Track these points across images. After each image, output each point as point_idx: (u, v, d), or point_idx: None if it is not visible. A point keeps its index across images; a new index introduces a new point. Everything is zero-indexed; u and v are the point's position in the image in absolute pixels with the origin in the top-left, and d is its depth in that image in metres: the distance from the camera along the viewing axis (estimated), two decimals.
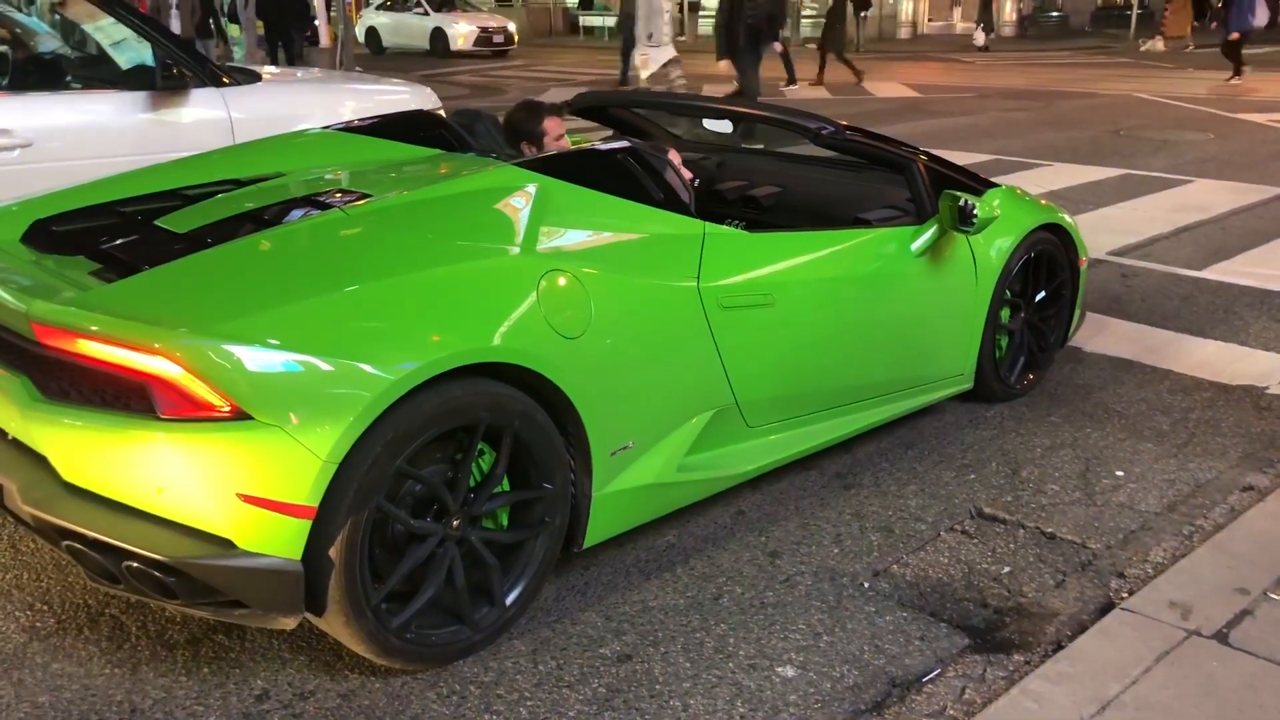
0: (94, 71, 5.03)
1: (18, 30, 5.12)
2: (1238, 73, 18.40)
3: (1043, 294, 4.57)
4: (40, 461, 2.56)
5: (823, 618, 3.03)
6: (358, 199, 3.06)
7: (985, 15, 27.92)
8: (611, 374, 2.97)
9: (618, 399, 3.00)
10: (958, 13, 34.48)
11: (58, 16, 5.29)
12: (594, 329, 2.90)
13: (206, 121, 4.96)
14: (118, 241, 2.93)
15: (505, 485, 2.87)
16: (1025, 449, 4.13)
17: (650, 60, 14.41)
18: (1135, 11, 31.16)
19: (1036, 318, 4.59)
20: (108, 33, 5.13)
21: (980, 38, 27.68)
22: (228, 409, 2.36)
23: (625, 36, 16.46)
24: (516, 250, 2.90)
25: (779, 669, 2.80)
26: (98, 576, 2.56)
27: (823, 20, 18.13)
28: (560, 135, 4.01)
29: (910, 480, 3.87)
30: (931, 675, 2.79)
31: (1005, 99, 16.62)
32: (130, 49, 5.04)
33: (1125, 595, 3.07)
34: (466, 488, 2.75)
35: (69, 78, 5.08)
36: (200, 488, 2.38)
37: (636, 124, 5.06)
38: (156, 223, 3.08)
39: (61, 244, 2.97)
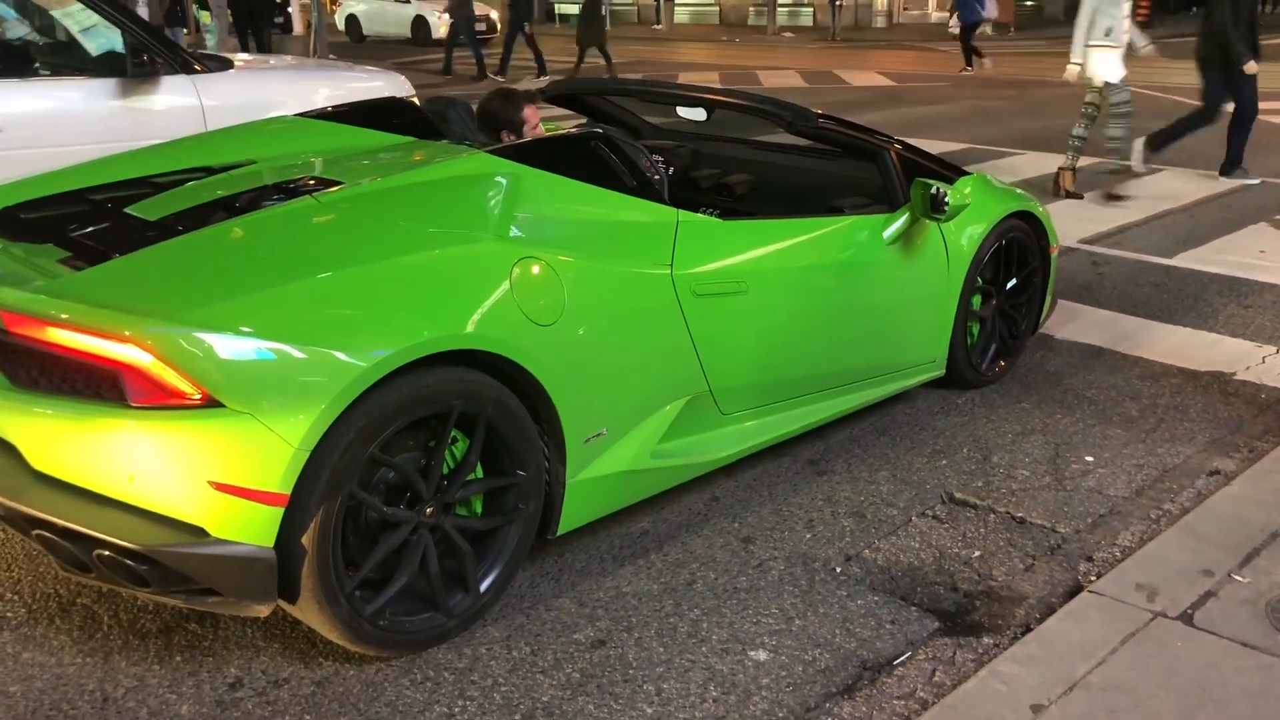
0: (63, 58, 5.04)
1: None
2: (969, 63, 19.12)
3: (1014, 281, 4.62)
4: (9, 450, 2.54)
5: (795, 602, 3.06)
6: (329, 186, 3.04)
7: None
8: (585, 361, 2.97)
9: (591, 386, 3.00)
10: (933, 1, 34.54)
11: (25, 2, 5.31)
12: (567, 316, 2.90)
13: (178, 108, 4.91)
14: (87, 229, 2.91)
15: (479, 473, 2.88)
16: (996, 435, 4.17)
17: None
18: None
19: (1008, 305, 4.64)
20: (76, 19, 5.08)
21: (956, 25, 27.76)
22: (199, 397, 2.35)
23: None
24: (489, 237, 2.90)
25: (751, 653, 2.83)
26: (69, 565, 2.55)
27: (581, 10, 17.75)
28: (537, 124, 4.00)
29: (882, 466, 3.90)
30: (902, 658, 2.82)
31: (980, 88, 16.70)
32: (100, 35, 4.98)
33: (1093, 578, 3.11)
34: (440, 475, 2.75)
35: (38, 64, 5.05)
36: (172, 476, 2.37)
37: (610, 112, 5.05)
38: (127, 210, 3.06)
39: (30, 231, 2.95)
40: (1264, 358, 4.95)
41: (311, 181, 3.18)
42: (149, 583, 2.44)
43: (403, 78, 6.11)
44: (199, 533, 2.38)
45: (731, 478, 3.78)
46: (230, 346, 2.37)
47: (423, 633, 2.78)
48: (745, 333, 3.48)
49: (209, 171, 3.44)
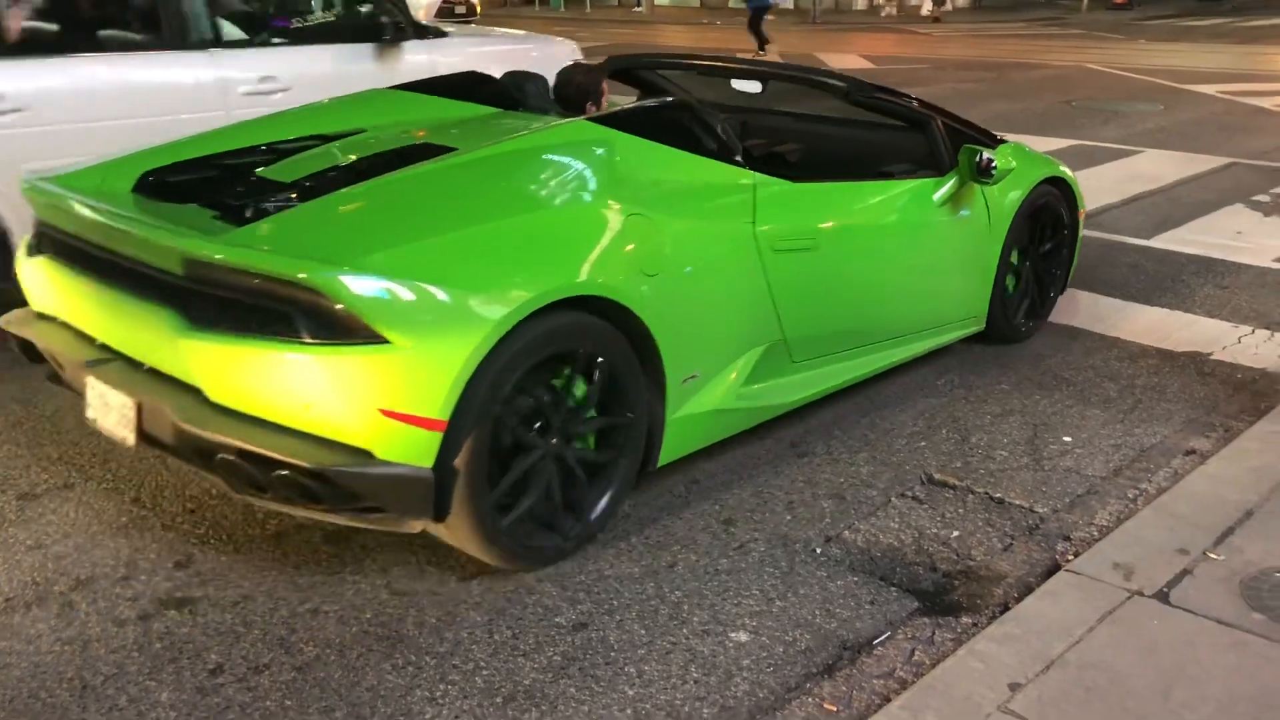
0: (335, 27, 5.94)
1: None
2: (762, 47, 19.20)
3: (1047, 244, 4.93)
4: (184, 387, 2.84)
5: (775, 583, 3.07)
6: (444, 151, 3.36)
7: None
8: (684, 309, 3.29)
9: (688, 332, 3.32)
10: None
11: None
12: (669, 268, 3.23)
13: (417, 68, 5.54)
14: (226, 190, 3.27)
15: (594, 411, 3.14)
16: (975, 416, 4.19)
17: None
18: None
19: (1040, 265, 4.93)
20: None
21: (928, 7, 27.82)
22: (369, 334, 2.62)
23: None
24: (603, 196, 3.27)
25: (732, 634, 2.84)
26: (245, 487, 2.80)
27: None
28: (607, 95, 4.20)
29: (862, 448, 3.92)
30: (881, 638, 2.83)
31: (959, 70, 16.72)
32: (358, 7, 6.11)
33: (1071, 557, 3.14)
34: (565, 409, 3.05)
35: (324, 33, 5.86)
36: (344, 404, 2.64)
37: (663, 86, 5.22)
38: (257, 173, 3.42)
39: (173, 193, 3.28)
40: (1240, 338, 4.98)
41: (428, 147, 3.47)
42: (321, 500, 2.72)
43: (572, 44, 6.67)
44: (367, 455, 2.66)
45: (713, 460, 3.78)
46: (397, 289, 2.66)
47: (545, 550, 3.08)
48: (815, 286, 3.78)
49: (323, 139, 3.73)
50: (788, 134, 5.14)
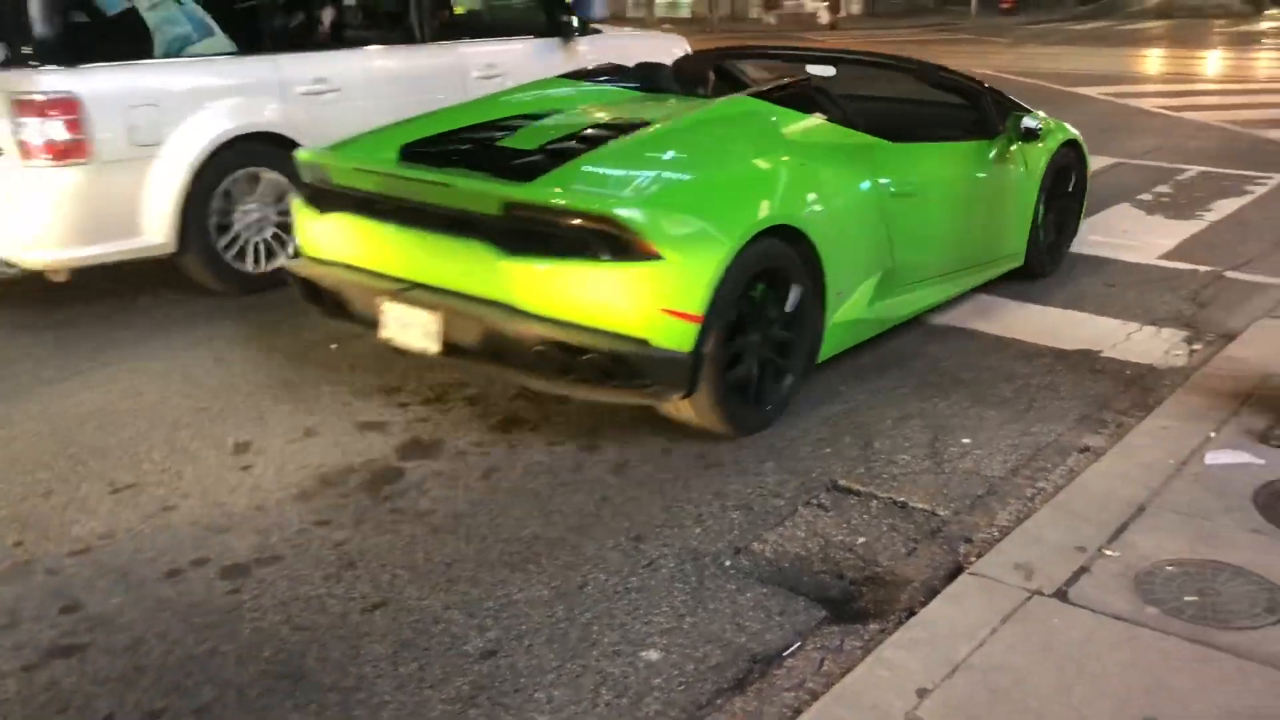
0: (534, 26, 7.33)
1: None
2: None
3: (1064, 196, 6.02)
4: (488, 304, 3.71)
5: (686, 599, 3.06)
6: (644, 125, 4.27)
7: None
8: (837, 239, 4.22)
9: (839, 257, 4.24)
10: None
11: None
12: (828, 207, 4.22)
13: (583, 55, 7.07)
14: (484, 156, 4.13)
15: (783, 315, 4.07)
16: (877, 421, 4.24)
17: None
18: None
19: (1060, 214, 6.02)
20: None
21: (824, 16, 28.33)
22: (651, 252, 3.52)
23: None
24: (782, 151, 4.32)
25: (643, 653, 2.82)
26: (554, 372, 3.69)
27: None
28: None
29: (769, 457, 3.94)
30: (791, 649, 2.84)
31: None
32: (539, 8, 7.45)
33: (973, 559, 3.19)
34: (767, 313, 3.99)
35: (518, 29, 7.34)
36: (633, 305, 3.56)
37: (733, 73, 6.04)
38: (499, 143, 4.30)
39: (436, 159, 4.15)
40: (1128, 335, 5.14)
41: (627, 120, 4.41)
42: (614, 377, 3.64)
43: (683, 39, 8.03)
44: (646, 343, 3.55)
45: (621, 476, 3.77)
46: (669, 219, 3.64)
47: (753, 419, 4.07)
48: (914, 225, 4.75)
49: (533, 118, 4.62)
50: (862, 108, 5.76)
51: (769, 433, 4.13)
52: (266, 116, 5.66)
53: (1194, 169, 8.65)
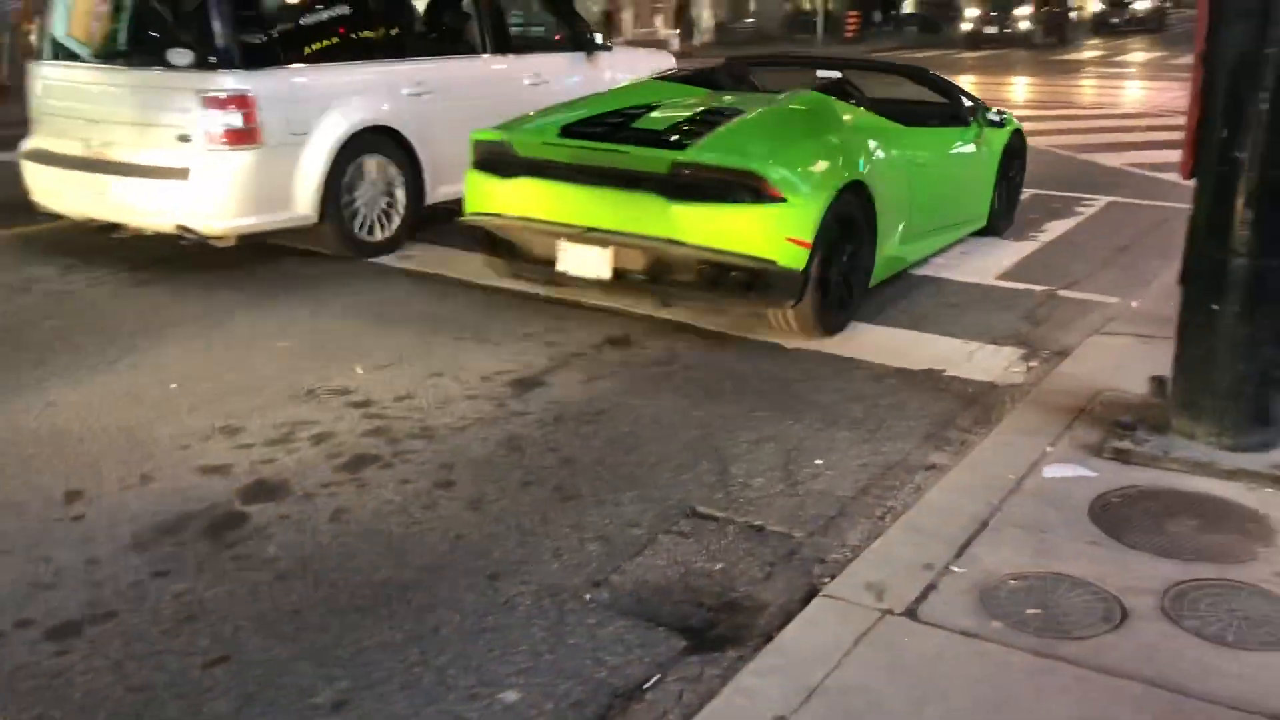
0: (566, 43, 8.78)
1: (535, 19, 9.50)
2: None
3: (1012, 174, 7.70)
4: (660, 240, 5.11)
5: (544, 636, 3.01)
6: (738, 111, 5.73)
7: (685, 22, 28.99)
8: (884, 194, 5.65)
9: (886, 207, 5.69)
10: (659, 19, 35.58)
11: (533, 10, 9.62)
12: (877, 169, 5.67)
13: (603, 68, 8.62)
14: (629, 132, 5.45)
15: (853, 247, 5.54)
16: (733, 445, 4.28)
17: None
18: (821, 17, 33.33)
19: (1008, 187, 7.65)
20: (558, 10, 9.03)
21: (675, 43, 28.81)
22: (779, 197, 4.98)
23: None
24: (846, 129, 5.93)
25: (500, 695, 2.76)
26: (708, 283, 5.14)
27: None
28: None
29: (627, 486, 3.93)
30: (651, 682, 2.82)
31: None
32: (551, 24, 9.07)
33: (827, 580, 3.23)
34: (847, 244, 5.44)
35: (554, 46, 8.79)
36: (767, 235, 5.00)
37: (749, 77, 7.61)
38: (634, 125, 5.56)
39: (594, 137, 5.44)
40: (970, 353, 5.33)
41: (725, 107, 5.85)
42: (751, 289, 5.10)
43: (671, 55, 10.00)
44: (774, 263, 4.99)
45: (477, 512, 3.70)
46: (790, 172, 5.10)
47: (832, 321, 5.50)
48: (925, 188, 6.23)
49: (649, 107, 5.83)
50: (870, 103, 7.23)
51: (628, 459, 4.12)
52: (383, 112, 6.92)
53: (1026, 191, 9.06)
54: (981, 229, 7.35)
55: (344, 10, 7.08)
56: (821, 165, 5.31)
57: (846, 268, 5.44)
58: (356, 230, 6.86)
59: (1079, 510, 3.51)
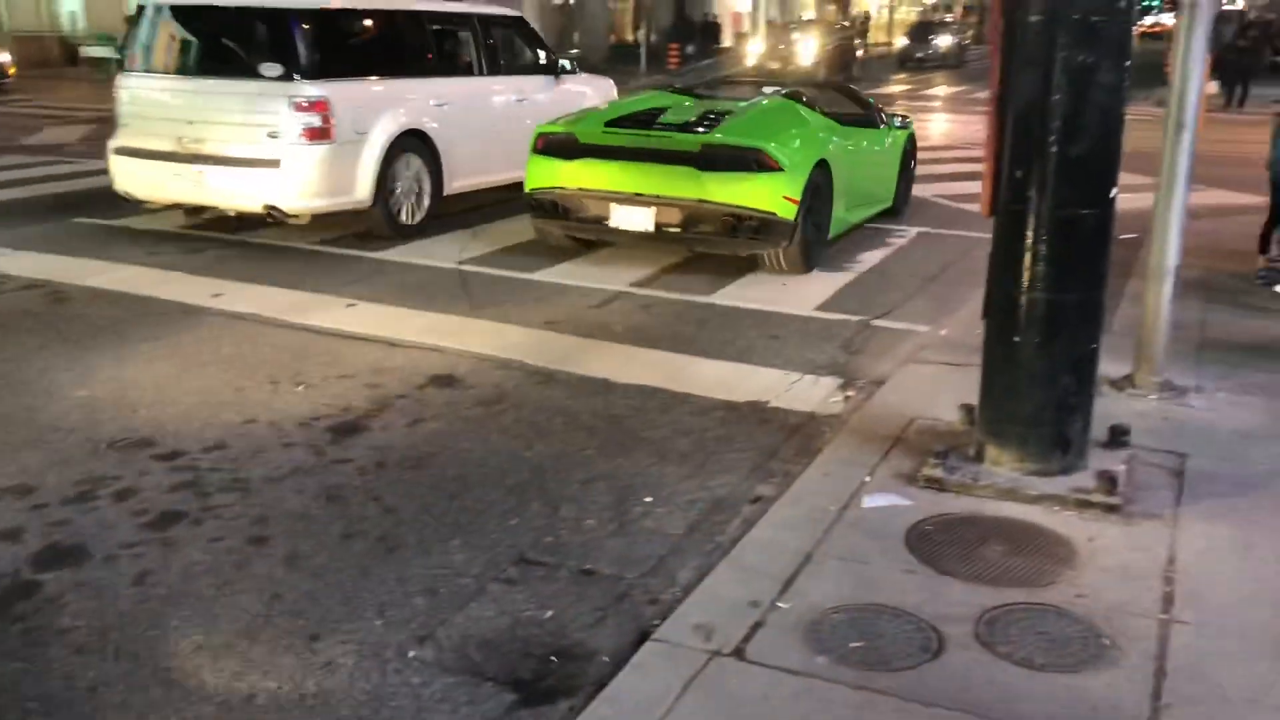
0: (533, 66, 10.51)
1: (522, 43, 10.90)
2: None
3: (910, 165, 10.19)
4: (692, 201, 7.24)
5: (367, 700, 2.89)
6: (732, 109, 7.96)
7: None
8: (837, 170, 7.87)
9: (838, 180, 7.92)
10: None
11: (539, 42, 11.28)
12: (834, 153, 7.94)
13: (569, 91, 10.54)
14: (657, 126, 7.54)
15: (818, 206, 7.75)
16: (563, 486, 4.24)
17: None
18: (644, 49, 33.90)
19: (904, 179, 9.96)
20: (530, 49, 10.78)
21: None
22: (778, 167, 7.19)
23: None
24: (813, 123, 8.12)
25: None
26: (725, 230, 7.26)
27: None
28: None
29: (454, 533, 3.83)
30: None
31: None
32: (539, 57, 10.65)
33: (657, 623, 3.21)
34: (816, 205, 7.63)
35: (532, 70, 10.46)
36: (770, 194, 7.16)
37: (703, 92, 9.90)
38: (660, 120, 7.68)
39: (633, 127, 7.55)
40: (791, 385, 5.45)
41: (724, 108, 8.05)
42: (760, 234, 7.26)
43: (611, 81, 11.80)
44: (774, 214, 7.19)
45: (293, 569, 3.53)
46: (784, 150, 7.30)
47: (812, 260, 7.70)
48: (857, 170, 8.49)
49: (662, 109, 8.05)
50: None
51: (454, 506, 4.03)
52: (419, 119, 8.70)
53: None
54: (888, 209, 9.60)
55: (389, 36, 8.95)
56: (803, 146, 7.53)
57: (816, 222, 7.62)
58: (396, 215, 8.57)
59: (896, 539, 3.62)
